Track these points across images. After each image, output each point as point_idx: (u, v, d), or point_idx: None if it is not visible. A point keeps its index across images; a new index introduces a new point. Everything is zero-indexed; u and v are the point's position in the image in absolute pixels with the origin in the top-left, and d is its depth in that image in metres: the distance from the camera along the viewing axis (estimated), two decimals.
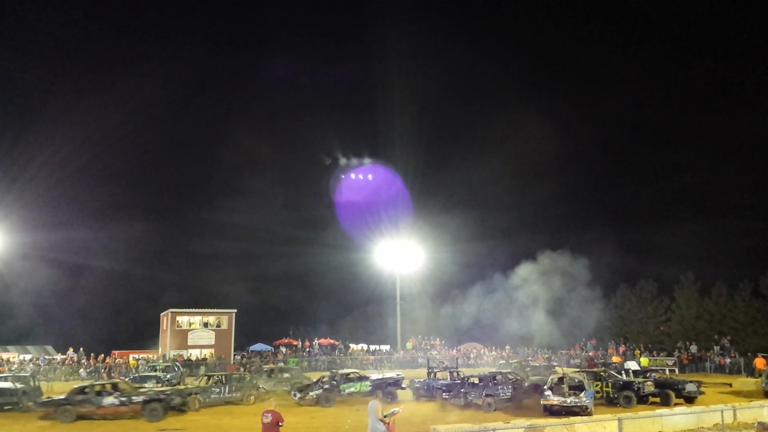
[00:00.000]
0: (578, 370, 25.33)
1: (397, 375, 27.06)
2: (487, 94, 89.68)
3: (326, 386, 24.05)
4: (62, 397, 21.24)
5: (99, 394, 20.97)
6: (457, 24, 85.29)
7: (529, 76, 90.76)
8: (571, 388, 20.07)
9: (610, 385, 22.20)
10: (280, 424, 12.42)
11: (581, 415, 17.96)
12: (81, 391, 21.17)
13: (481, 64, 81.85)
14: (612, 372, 23.52)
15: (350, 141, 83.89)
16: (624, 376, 23.29)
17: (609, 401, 21.84)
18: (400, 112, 68.27)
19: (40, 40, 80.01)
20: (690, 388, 22.46)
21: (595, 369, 25.54)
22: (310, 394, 23.62)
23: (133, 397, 20.68)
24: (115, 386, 21.76)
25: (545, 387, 20.39)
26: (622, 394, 21.69)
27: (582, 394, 19.40)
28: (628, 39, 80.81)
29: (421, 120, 76.96)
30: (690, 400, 21.97)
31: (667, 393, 21.93)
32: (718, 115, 71.93)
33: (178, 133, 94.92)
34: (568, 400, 19.44)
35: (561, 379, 20.51)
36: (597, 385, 22.18)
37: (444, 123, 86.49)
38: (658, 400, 22.01)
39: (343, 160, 54.32)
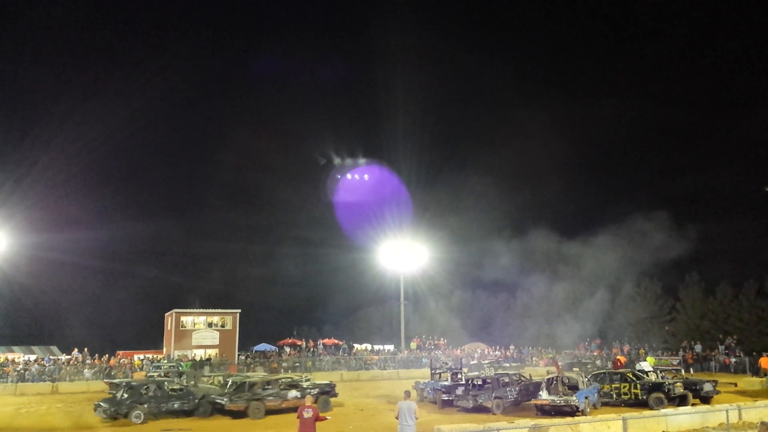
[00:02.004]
0: (603, 371, 24.61)
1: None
2: (489, 93, 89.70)
3: None
4: (250, 392, 21.14)
5: (284, 387, 21.57)
6: (456, 22, 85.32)
7: (530, 76, 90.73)
8: (567, 387, 19.77)
9: (638, 386, 21.39)
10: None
11: (573, 416, 17.80)
12: (267, 385, 21.49)
13: (483, 62, 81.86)
14: (640, 373, 22.50)
15: (352, 141, 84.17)
16: (653, 378, 22.36)
17: (638, 403, 21.05)
18: (403, 111, 68.08)
19: (44, 42, 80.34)
20: (707, 387, 21.92)
21: (621, 370, 24.83)
22: None
23: (311, 390, 21.47)
24: (292, 380, 22.69)
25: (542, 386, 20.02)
26: (652, 396, 20.83)
27: (574, 395, 18.99)
28: (630, 37, 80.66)
29: (425, 119, 76.53)
30: (707, 400, 21.52)
31: (685, 394, 21.25)
32: (722, 114, 71.79)
33: (182, 134, 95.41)
34: (559, 400, 19.00)
35: (557, 379, 20.09)
36: (625, 387, 21.60)
37: (447, 122, 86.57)
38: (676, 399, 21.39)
39: (345, 160, 54.34)
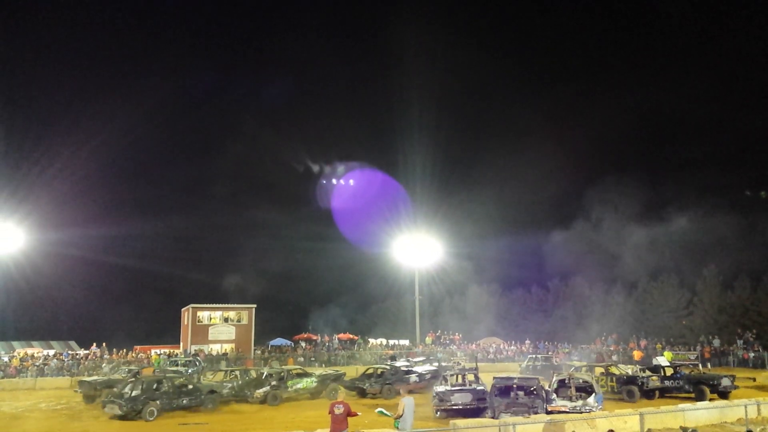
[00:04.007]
0: (585, 364, 24.86)
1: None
2: (503, 88, 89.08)
3: (273, 383, 23.25)
4: (382, 378, 24.65)
5: (405, 373, 25.20)
6: (459, 21, 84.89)
7: (537, 74, 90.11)
8: (577, 390, 17.95)
9: (614, 380, 22.36)
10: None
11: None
12: (394, 372, 25.01)
13: (491, 60, 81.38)
14: (619, 366, 23.70)
15: (365, 137, 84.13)
16: (638, 371, 23.16)
17: (614, 395, 21.89)
18: (419, 107, 68.36)
19: (61, 44, 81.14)
20: (725, 382, 22.01)
21: (602, 364, 25.30)
22: (258, 392, 22.82)
23: (426, 375, 25.39)
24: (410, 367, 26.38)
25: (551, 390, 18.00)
26: (625, 389, 21.92)
27: (591, 398, 17.32)
28: (642, 34, 79.72)
29: (439, 115, 76.73)
30: (725, 395, 21.63)
31: (702, 389, 21.57)
32: (741, 106, 70.68)
33: (197, 131, 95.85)
34: (575, 406, 17.07)
35: (566, 381, 18.39)
36: (602, 380, 22.10)
37: (463, 119, 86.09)
38: (693, 395, 21.67)
39: (357, 155, 54.56)
